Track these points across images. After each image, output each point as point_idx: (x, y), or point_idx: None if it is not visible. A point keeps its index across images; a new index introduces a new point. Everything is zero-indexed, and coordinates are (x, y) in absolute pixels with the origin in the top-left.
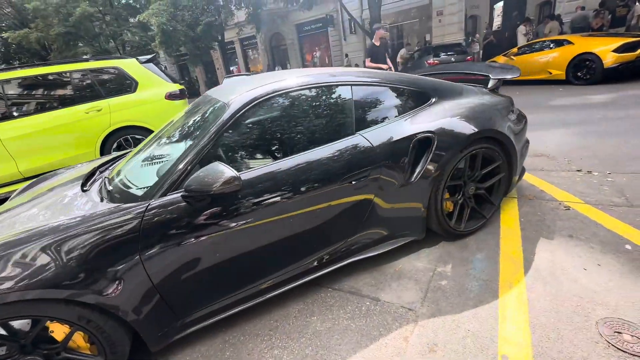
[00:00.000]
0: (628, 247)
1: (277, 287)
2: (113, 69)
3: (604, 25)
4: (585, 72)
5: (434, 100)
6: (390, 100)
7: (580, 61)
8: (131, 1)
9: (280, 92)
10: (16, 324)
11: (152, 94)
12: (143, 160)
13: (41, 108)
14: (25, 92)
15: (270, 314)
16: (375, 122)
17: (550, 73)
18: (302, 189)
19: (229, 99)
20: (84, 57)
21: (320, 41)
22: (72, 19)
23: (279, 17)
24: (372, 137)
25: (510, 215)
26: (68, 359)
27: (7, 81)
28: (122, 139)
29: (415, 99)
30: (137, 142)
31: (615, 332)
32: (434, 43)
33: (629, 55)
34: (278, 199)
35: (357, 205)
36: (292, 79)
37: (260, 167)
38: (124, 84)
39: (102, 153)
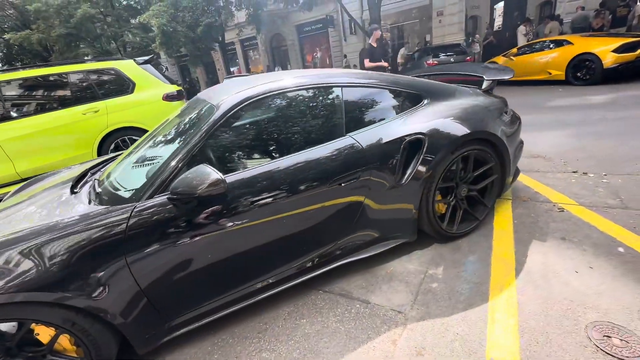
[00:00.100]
0: (621, 249)
1: (265, 289)
2: (110, 70)
3: (605, 26)
4: (584, 72)
5: (426, 101)
6: (382, 101)
7: (579, 61)
8: (132, 2)
9: (269, 94)
10: (2, 326)
11: (149, 95)
12: (133, 163)
13: (38, 109)
14: (21, 94)
15: (260, 316)
16: (366, 123)
17: (550, 73)
18: (291, 191)
19: (218, 101)
20: (85, 58)
21: (321, 42)
22: (73, 20)
23: (279, 18)
24: (362, 138)
25: (503, 217)
26: None
27: (3, 83)
28: (120, 140)
29: (407, 100)
30: (134, 143)
31: (604, 336)
32: (434, 43)
33: (628, 56)
34: (266, 201)
35: (347, 207)
36: (284, 80)
37: (249, 169)
38: (121, 85)
39: (100, 154)
